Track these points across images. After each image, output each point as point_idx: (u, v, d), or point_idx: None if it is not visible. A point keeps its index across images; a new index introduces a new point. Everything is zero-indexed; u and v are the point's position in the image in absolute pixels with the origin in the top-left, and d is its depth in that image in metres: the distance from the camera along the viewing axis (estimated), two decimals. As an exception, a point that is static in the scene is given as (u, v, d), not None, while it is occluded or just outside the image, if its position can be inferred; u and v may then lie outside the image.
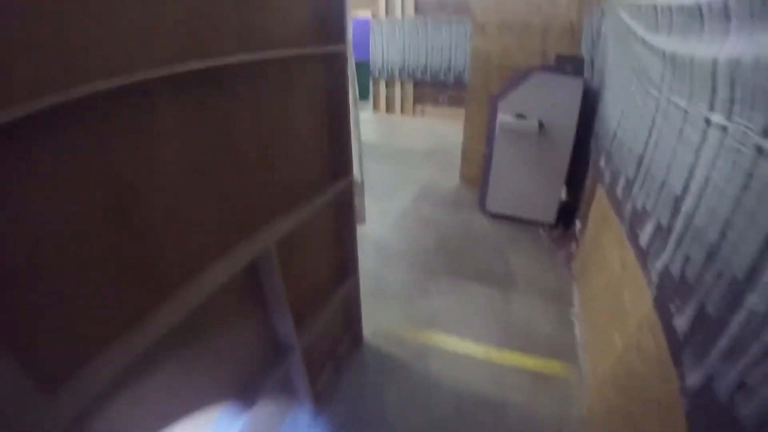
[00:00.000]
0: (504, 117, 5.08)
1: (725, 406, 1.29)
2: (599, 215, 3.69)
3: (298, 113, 2.24)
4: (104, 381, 1.29)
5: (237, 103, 1.77)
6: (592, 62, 5.07)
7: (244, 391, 2.19)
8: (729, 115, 1.54)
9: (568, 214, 5.46)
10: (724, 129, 1.56)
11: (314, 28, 2.23)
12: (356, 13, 11.30)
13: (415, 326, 3.85)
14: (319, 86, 2.42)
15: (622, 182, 2.93)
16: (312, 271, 2.74)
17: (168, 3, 1.37)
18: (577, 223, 4.86)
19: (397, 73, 11.72)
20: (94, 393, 1.26)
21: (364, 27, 11.58)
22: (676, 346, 1.71)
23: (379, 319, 3.89)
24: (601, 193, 3.72)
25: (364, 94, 12.28)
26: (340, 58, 2.45)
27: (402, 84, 11.86)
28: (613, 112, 3.67)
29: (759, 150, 1.32)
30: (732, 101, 1.52)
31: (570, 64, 4.68)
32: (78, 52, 1.12)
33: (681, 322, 1.69)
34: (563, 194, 5.57)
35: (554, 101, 4.83)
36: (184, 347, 1.71)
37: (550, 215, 5.49)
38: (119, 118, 1.28)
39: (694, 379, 1.53)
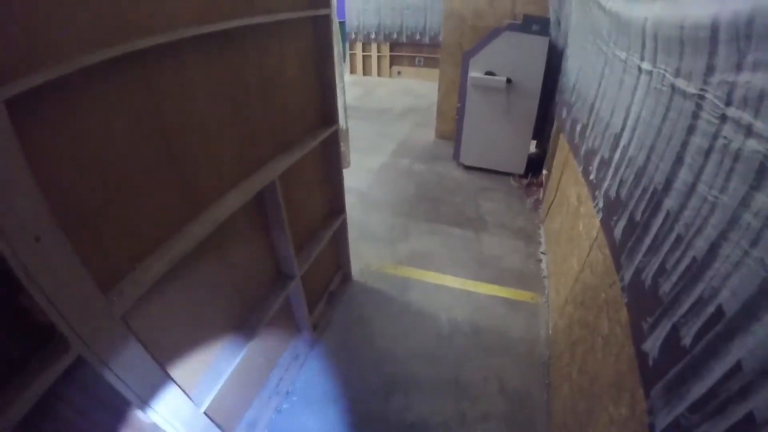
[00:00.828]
0: (474, 74, 5.42)
1: (650, 289, 1.68)
2: (561, 161, 4.10)
3: (292, 67, 2.56)
4: (148, 284, 1.61)
5: (244, 58, 2.09)
6: (558, 22, 5.40)
7: (253, 310, 2.56)
8: (654, 62, 1.91)
9: (536, 165, 5.88)
10: (650, 73, 1.94)
11: None
12: (331, -26, 11.30)
13: (397, 264, 4.27)
14: (309, 44, 2.73)
15: (578, 128, 3.32)
16: (307, 207, 3.10)
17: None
18: (544, 172, 5.28)
19: (373, 34, 11.81)
20: (138, 295, 1.57)
21: (339, -12, 11.62)
22: (616, 253, 2.11)
23: (366, 259, 4.30)
24: (563, 141, 4.12)
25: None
26: (325, 20, 2.76)
27: (378, 46, 11.97)
28: (573, 67, 4.04)
29: (672, 87, 1.69)
30: (656, 51, 1.88)
31: (537, 24, 4.99)
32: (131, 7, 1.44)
33: (617, 233, 2.09)
34: (532, 147, 5.97)
35: (522, 59, 5.17)
36: (207, 261, 2.07)
37: (520, 166, 5.91)
38: (160, 67, 1.60)
39: (628, 275, 1.93)
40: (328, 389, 3.02)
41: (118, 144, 1.47)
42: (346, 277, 3.99)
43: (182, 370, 1.97)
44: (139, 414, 1.71)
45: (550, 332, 3.39)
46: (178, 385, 1.87)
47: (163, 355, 1.81)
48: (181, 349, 2.00)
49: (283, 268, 2.79)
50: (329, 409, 2.89)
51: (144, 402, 1.67)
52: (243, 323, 2.49)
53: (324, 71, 2.91)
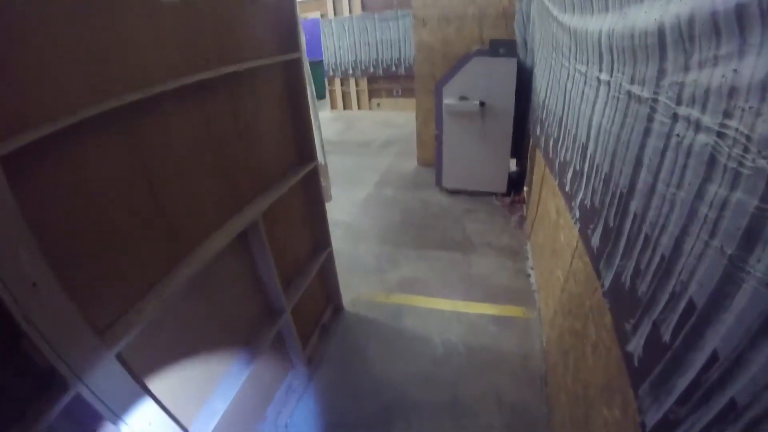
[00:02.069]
0: (448, 101, 5.55)
1: (629, 291, 1.72)
2: (540, 176, 4.18)
3: (267, 111, 2.65)
4: (141, 324, 1.64)
5: (219, 106, 2.17)
6: (525, 42, 5.57)
7: (246, 345, 2.57)
8: (611, 72, 1.99)
9: (518, 182, 5.97)
10: (608, 84, 2.02)
11: (274, 41, 2.66)
12: (305, 15, 11.60)
13: (388, 292, 4.28)
14: (282, 87, 2.83)
15: (551, 142, 3.40)
16: (292, 242, 3.14)
17: (167, 38, 1.77)
18: (525, 189, 5.36)
19: (350, 70, 12.07)
20: (132, 335, 1.60)
21: (314, 27, 11.89)
22: (595, 260, 2.15)
23: (356, 289, 4.30)
24: (539, 157, 4.20)
25: (320, 94, 12.59)
26: (296, 63, 2.87)
27: (356, 80, 12.22)
28: (541, 84, 4.16)
29: (628, 93, 1.77)
30: (612, 61, 1.97)
31: (503, 47, 5.15)
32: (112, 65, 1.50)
33: (595, 240, 2.15)
34: (512, 165, 6.08)
35: (492, 81, 5.31)
36: (197, 299, 2.10)
37: (501, 185, 6.00)
38: (141, 121, 1.67)
39: (608, 280, 1.97)
40: (328, 421, 3.00)
41: (106, 194, 1.53)
42: (338, 308, 3.99)
43: (179, 407, 1.98)
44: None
45: (544, 344, 3.40)
46: (176, 421, 1.88)
47: (160, 393, 1.82)
48: (176, 385, 2.01)
49: (273, 303, 2.80)
50: (330, 442, 2.86)
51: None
52: (236, 359, 2.49)
53: (298, 111, 2.99)
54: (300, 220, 3.26)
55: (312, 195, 3.34)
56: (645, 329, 1.52)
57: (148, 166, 1.71)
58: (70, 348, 1.35)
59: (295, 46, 2.80)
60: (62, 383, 1.36)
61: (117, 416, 1.55)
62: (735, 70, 0.99)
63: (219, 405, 2.28)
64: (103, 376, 1.49)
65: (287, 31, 2.75)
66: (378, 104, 12.39)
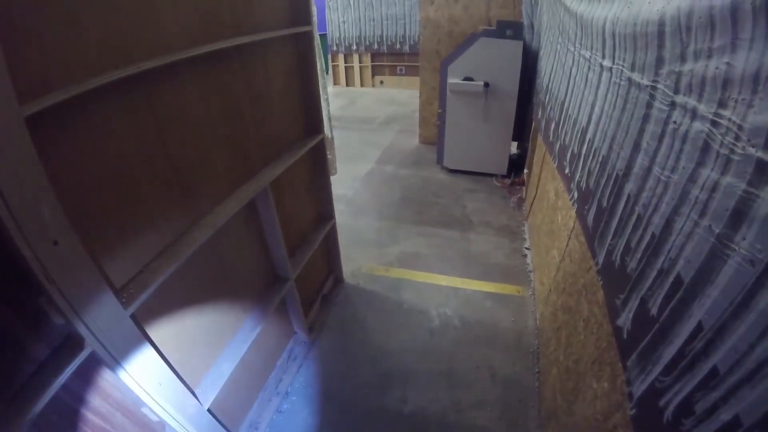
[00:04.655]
0: (453, 80, 5.59)
1: (619, 267, 1.81)
2: (540, 159, 4.26)
3: (278, 82, 2.70)
4: (155, 285, 1.72)
5: (233, 75, 2.23)
6: (532, 25, 5.59)
7: (252, 311, 2.68)
8: (613, 59, 2.06)
9: (518, 165, 6.05)
10: (610, 69, 2.09)
11: (286, 13, 2.71)
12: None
13: (387, 266, 4.39)
14: (293, 59, 2.89)
15: (552, 126, 3.48)
16: (298, 212, 3.23)
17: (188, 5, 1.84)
18: (525, 171, 5.44)
19: (354, 46, 11.99)
20: (146, 295, 1.68)
21: (318, 1, 11.78)
22: (590, 239, 2.25)
23: (357, 262, 4.42)
24: (540, 140, 4.28)
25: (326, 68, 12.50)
26: (307, 36, 2.91)
27: (360, 56, 12.14)
28: (546, 68, 4.21)
29: (629, 81, 1.84)
30: (615, 48, 2.04)
31: (510, 29, 5.17)
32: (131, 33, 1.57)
33: (590, 220, 2.24)
34: (513, 148, 6.15)
35: (498, 63, 5.35)
36: (207, 264, 2.20)
37: (502, 166, 6.08)
38: (160, 87, 1.74)
39: (601, 258, 2.06)
40: (327, 388, 3.12)
41: (126, 156, 1.61)
42: (338, 279, 4.10)
43: (186, 368, 2.08)
44: (145, 410, 1.82)
45: (537, 322, 3.52)
46: (183, 382, 1.97)
47: (169, 353, 1.91)
48: (184, 347, 2.11)
49: (278, 270, 2.90)
50: (329, 407, 2.98)
51: (151, 398, 1.77)
52: (243, 324, 2.60)
53: (308, 84, 3.05)
54: (306, 191, 3.34)
55: (318, 167, 3.43)
56: (634, 304, 1.62)
57: (164, 131, 1.78)
58: (89, 306, 1.41)
59: (306, 18, 2.84)
60: (78, 341, 1.42)
61: (130, 376, 1.63)
62: (728, 63, 1.07)
63: (226, 367, 2.38)
64: (119, 336, 1.55)
65: (299, 3, 2.79)
66: (381, 81, 12.34)
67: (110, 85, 1.44)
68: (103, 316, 1.48)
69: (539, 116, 4.37)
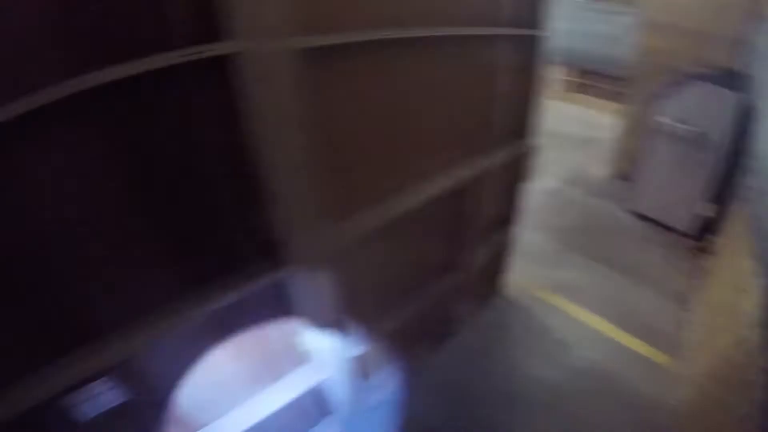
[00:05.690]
0: (663, 119, 5.18)
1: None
2: (736, 230, 3.83)
3: (502, 80, 2.80)
4: (358, 234, 2.03)
5: (461, 63, 2.40)
6: (752, 78, 4.95)
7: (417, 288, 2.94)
8: None
9: (709, 229, 5.44)
10: None
11: (510, 11, 2.68)
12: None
13: (545, 288, 4.42)
14: (511, 61, 2.87)
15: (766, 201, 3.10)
16: (489, 210, 3.35)
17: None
18: (715, 238, 4.91)
19: (560, 57, 11.57)
20: (349, 238, 1.98)
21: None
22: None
23: (518, 274, 4.49)
24: (742, 211, 3.83)
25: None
26: (534, 40, 2.95)
27: (564, 70, 11.70)
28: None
29: None
30: None
31: (732, 77, 4.67)
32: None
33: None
34: (709, 211, 5.53)
35: (711, 112, 4.84)
36: (398, 237, 2.45)
37: (692, 227, 5.51)
38: (392, 55, 1.95)
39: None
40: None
41: (367, 111, 1.91)
42: (498, 285, 4.25)
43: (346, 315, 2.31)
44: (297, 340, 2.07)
45: (678, 404, 3.24)
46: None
47: (342, 296, 2.15)
48: (353, 297, 2.30)
49: (454, 260, 3.14)
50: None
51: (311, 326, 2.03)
52: (410, 300, 2.85)
53: (528, 89, 3.15)
54: (502, 192, 3.47)
55: (519, 171, 3.53)
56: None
57: (389, 95, 2.02)
58: (300, 229, 1.69)
59: (534, 22, 2.89)
60: (279, 260, 1.68)
61: (304, 301, 1.89)
62: None
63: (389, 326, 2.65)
64: (312, 270, 1.82)
65: (528, 5, 2.82)
66: (581, 99, 11.77)
67: (368, 43, 1.73)
68: (309, 245, 1.78)
69: (751, 184, 3.90)
